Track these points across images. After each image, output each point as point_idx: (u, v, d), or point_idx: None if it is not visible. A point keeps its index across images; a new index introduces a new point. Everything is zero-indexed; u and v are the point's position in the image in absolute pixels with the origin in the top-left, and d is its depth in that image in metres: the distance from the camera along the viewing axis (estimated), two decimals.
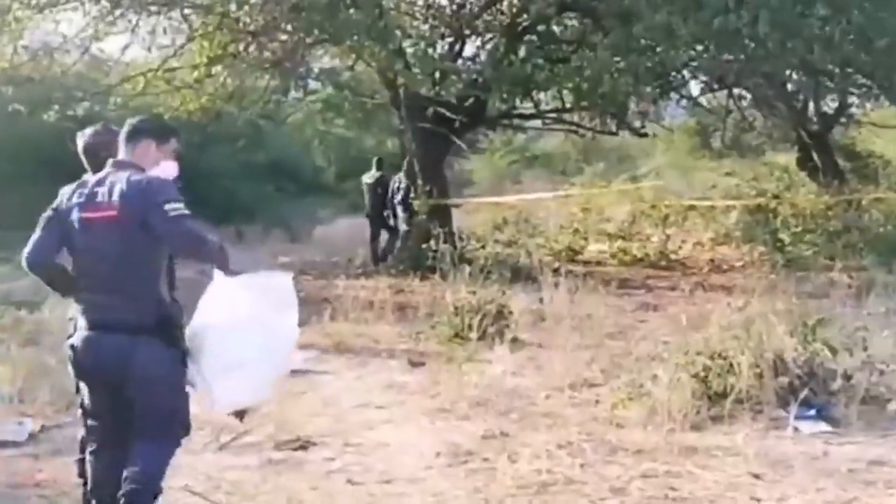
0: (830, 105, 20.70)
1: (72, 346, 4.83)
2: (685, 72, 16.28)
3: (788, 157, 21.92)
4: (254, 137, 24.07)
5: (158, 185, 4.72)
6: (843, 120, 21.41)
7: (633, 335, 10.19)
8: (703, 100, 20.42)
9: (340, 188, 27.39)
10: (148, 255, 4.72)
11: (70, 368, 4.94)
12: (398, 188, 17.13)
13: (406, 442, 6.42)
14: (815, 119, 20.75)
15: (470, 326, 9.94)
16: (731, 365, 7.50)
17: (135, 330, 4.67)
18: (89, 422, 4.94)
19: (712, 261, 17.22)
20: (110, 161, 4.86)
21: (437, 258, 13.22)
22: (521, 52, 15.56)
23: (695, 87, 18.84)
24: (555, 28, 16.80)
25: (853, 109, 20.96)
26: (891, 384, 7.90)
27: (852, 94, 18.17)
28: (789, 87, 17.37)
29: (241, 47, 15.69)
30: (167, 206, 4.60)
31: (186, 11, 15.62)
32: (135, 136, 4.92)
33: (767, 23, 12.36)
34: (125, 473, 4.65)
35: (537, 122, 19.71)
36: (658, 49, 13.57)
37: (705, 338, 7.96)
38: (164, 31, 15.81)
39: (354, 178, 20.69)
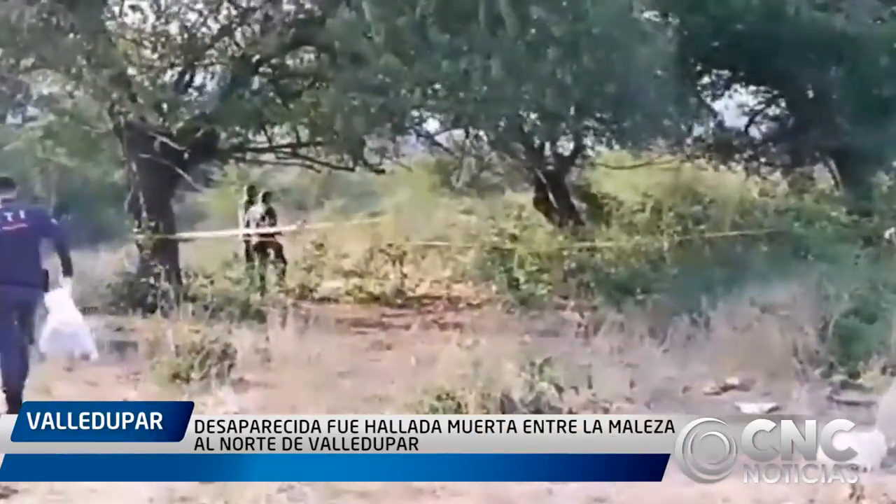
0: (566, 146, 21.11)
1: None
2: (421, 111, 16.15)
3: (527, 197, 22.23)
4: None
5: None
6: (578, 162, 21.89)
7: (363, 374, 10.04)
8: (441, 138, 20.44)
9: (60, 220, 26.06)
10: None
11: None
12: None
13: (117, 488, 5.95)
14: (551, 160, 21.11)
15: (192, 367, 9.51)
16: (459, 405, 7.38)
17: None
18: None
19: (448, 299, 17.20)
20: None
21: (158, 295, 12.63)
22: (254, 85, 15.13)
23: (432, 125, 18.80)
24: (290, 62, 16.43)
25: (588, 151, 21.46)
26: None
27: (586, 136, 18.54)
28: (525, 128, 17.56)
29: None
30: None
31: None
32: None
33: (501, 67, 12.35)
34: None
35: (272, 156, 19.27)
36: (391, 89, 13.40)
37: (433, 377, 7.82)
38: None
39: (76, 209, 19.67)
